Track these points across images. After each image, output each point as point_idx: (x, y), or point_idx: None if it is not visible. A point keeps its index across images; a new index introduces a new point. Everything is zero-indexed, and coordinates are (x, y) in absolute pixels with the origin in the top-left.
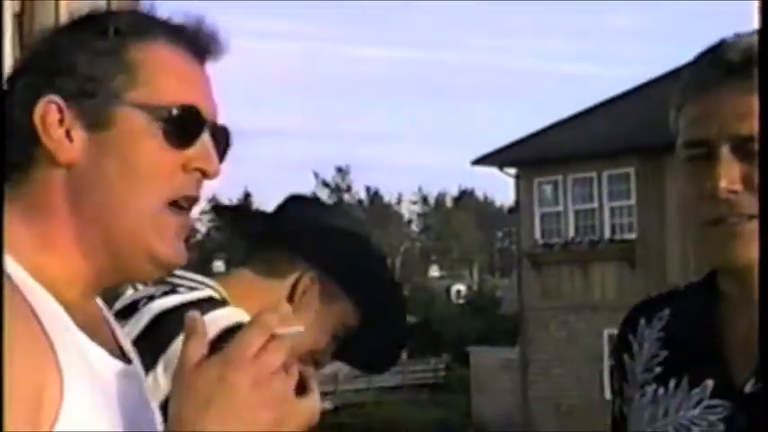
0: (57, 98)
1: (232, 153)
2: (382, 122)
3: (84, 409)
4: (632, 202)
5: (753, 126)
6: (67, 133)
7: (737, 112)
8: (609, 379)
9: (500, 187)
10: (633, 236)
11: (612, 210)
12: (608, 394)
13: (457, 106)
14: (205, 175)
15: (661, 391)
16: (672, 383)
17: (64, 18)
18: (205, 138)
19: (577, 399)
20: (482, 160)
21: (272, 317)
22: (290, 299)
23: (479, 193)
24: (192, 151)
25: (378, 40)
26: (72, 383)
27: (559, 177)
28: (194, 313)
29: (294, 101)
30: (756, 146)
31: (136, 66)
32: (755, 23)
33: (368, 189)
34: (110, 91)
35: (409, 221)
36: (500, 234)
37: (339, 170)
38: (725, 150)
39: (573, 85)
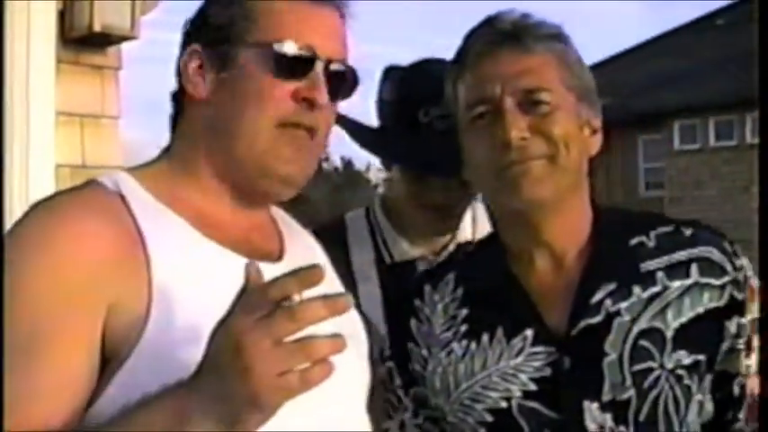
0: (197, 47)
1: None
2: (355, 105)
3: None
4: None
5: (531, 81)
6: (202, 75)
7: (516, 70)
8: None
9: None
10: None
11: None
12: None
13: None
14: (313, 104)
15: (473, 345)
16: (485, 337)
17: (97, 14)
18: (317, 72)
19: None
20: None
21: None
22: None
23: None
24: (301, 83)
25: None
26: (159, 262)
27: None
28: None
29: None
30: (538, 96)
31: (256, 12)
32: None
33: (342, 158)
34: (234, 36)
35: (375, 185)
36: None
37: None
38: (509, 104)
39: None
